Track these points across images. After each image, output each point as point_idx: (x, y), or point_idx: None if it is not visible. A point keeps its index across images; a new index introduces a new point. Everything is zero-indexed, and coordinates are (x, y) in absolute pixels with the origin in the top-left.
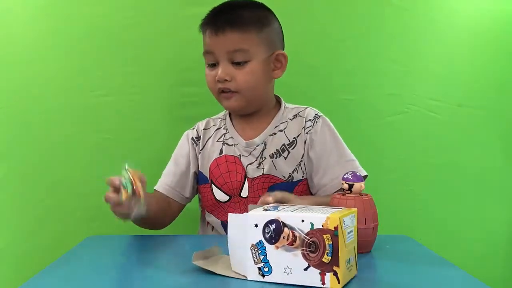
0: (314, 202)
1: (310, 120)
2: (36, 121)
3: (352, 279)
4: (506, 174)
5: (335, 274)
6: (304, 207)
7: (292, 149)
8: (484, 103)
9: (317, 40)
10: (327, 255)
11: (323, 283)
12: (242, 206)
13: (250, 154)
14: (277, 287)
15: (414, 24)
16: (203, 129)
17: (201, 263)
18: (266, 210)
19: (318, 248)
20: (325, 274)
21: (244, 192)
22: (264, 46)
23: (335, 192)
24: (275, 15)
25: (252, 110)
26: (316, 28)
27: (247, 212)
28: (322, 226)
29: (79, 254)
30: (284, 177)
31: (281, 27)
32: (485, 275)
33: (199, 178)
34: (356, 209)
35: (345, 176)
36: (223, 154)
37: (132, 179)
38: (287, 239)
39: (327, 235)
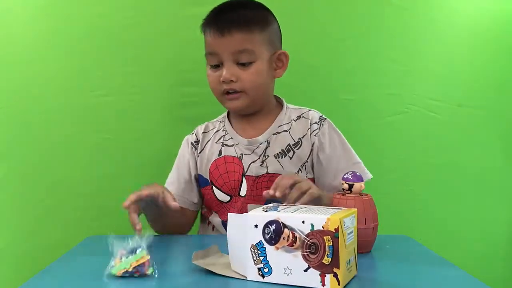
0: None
1: (316, 122)
2: (36, 121)
3: (352, 279)
4: (506, 174)
5: (335, 275)
6: (304, 207)
7: (298, 149)
8: (484, 103)
9: (317, 40)
10: (327, 257)
11: (323, 285)
12: (240, 205)
13: (252, 152)
14: None
15: (414, 24)
16: (202, 133)
17: (201, 263)
18: (266, 211)
19: (318, 250)
20: (325, 276)
21: (243, 191)
22: (267, 45)
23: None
24: (273, 14)
25: (255, 110)
26: (316, 28)
27: (246, 211)
28: (323, 227)
29: (79, 254)
30: None
31: (279, 26)
32: (485, 275)
33: (199, 181)
34: (356, 209)
35: (345, 176)
36: (222, 155)
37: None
38: (287, 240)
39: (327, 236)
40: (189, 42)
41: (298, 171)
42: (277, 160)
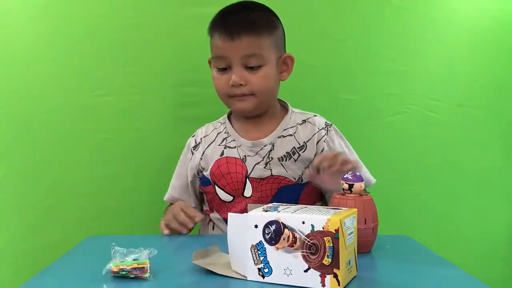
0: None
1: (323, 128)
2: (36, 121)
3: (352, 279)
4: (506, 174)
5: (335, 276)
6: (304, 207)
7: (303, 152)
8: (484, 103)
9: (317, 40)
10: (328, 257)
11: (323, 285)
12: (244, 205)
13: (256, 154)
14: None
15: (414, 24)
16: (204, 136)
17: (201, 262)
18: (266, 211)
19: (318, 250)
20: (326, 276)
21: (247, 192)
22: (274, 49)
23: None
24: (279, 18)
25: (260, 112)
26: (316, 28)
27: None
28: (323, 228)
29: (79, 254)
30: (295, 178)
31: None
32: (485, 275)
33: (201, 180)
34: (356, 209)
35: (345, 176)
36: (224, 156)
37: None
38: (287, 241)
39: (327, 237)
40: (189, 42)
41: (302, 173)
42: (281, 163)
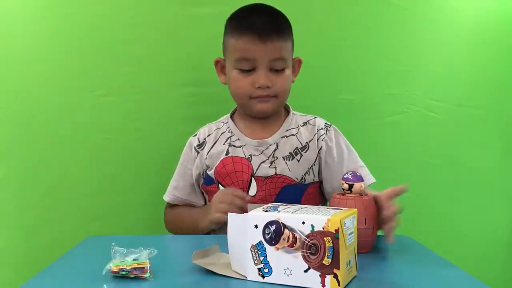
0: None
1: (322, 128)
2: (36, 121)
3: (352, 279)
4: (506, 174)
5: (335, 276)
6: (304, 207)
7: (305, 152)
8: (484, 103)
9: (317, 40)
10: (328, 258)
11: (323, 285)
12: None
13: (261, 153)
14: None
15: (414, 24)
16: (207, 136)
17: (201, 262)
18: (266, 211)
19: (318, 251)
20: (326, 277)
21: (252, 191)
22: (291, 53)
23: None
24: None
25: (274, 113)
26: (316, 28)
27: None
28: (323, 228)
29: (79, 254)
30: (297, 179)
31: None
32: (485, 275)
33: (205, 179)
34: (356, 209)
35: (345, 176)
36: (229, 155)
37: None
38: (287, 241)
39: (328, 237)
40: (189, 42)
41: (305, 174)
42: (285, 162)
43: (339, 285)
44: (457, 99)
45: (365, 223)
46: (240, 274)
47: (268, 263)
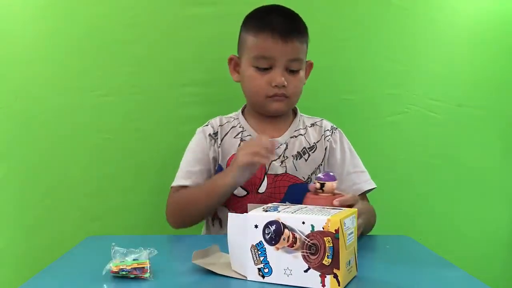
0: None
1: (328, 130)
2: (36, 121)
3: (352, 279)
4: (506, 174)
5: (335, 276)
6: (304, 207)
7: (313, 152)
8: (484, 103)
9: (317, 40)
10: (328, 258)
11: (323, 285)
12: (258, 201)
13: None
14: None
15: (414, 24)
16: (219, 126)
17: (201, 262)
18: (266, 211)
19: (318, 251)
20: (326, 277)
21: (262, 188)
22: (306, 56)
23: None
24: None
25: (286, 113)
26: (317, 28)
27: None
28: (323, 228)
29: (79, 254)
30: (304, 178)
31: None
32: (485, 275)
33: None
34: (356, 209)
35: (317, 176)
36: None
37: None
38: (287, 241)
39: (328, 237)
40: (189, 42)
41: (312, 174)
42: (293, 162)
43: (339, 285)
44: (457, 99)
45: None
46: (240, 274)
47: (268, 263)
